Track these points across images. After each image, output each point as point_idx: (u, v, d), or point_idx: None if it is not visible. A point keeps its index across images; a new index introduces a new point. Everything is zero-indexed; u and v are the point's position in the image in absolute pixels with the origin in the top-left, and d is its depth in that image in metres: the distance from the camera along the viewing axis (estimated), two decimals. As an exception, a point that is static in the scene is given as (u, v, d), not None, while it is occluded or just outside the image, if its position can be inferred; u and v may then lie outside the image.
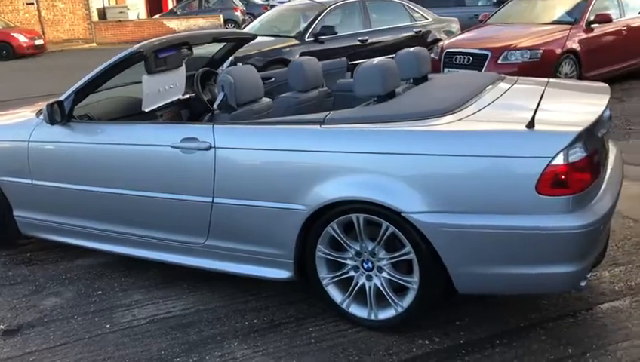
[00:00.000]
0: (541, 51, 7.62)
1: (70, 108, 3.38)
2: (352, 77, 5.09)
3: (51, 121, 3.32)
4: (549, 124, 2.50)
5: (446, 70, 8.15)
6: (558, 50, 7.73)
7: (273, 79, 4.68)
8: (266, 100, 3.54)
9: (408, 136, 2.61)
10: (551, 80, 3.38)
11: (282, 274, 2.96)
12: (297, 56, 7.97)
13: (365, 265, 2.79)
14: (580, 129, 2.44)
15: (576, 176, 2.42)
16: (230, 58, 5.03)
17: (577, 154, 2.44)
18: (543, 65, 7.59)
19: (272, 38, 8.31)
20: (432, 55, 8.60)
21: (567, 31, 7.93)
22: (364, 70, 2.99)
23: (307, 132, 2.81)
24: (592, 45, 8.04)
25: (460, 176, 2.50)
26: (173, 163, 3.09)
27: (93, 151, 3.34)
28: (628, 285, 3.12)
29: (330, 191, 2.70)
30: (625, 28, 8.49)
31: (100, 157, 3.31)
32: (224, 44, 4.49)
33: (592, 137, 2.60)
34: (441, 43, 8.65)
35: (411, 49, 3.57)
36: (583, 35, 8.04)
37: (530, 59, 7.59)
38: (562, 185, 2.40)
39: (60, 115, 3.33)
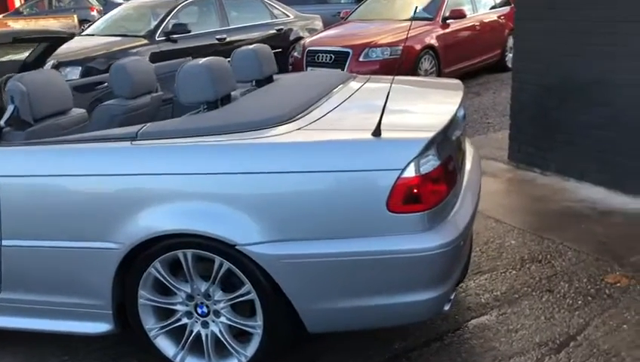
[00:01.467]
0: (401, 48, 7.55)
1: None
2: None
3: None
4: (398, 131, 2.18)
5: (309, 69, 7.85)
6: (418, 47, 7.71)
7: (106, 84, 4.05)
8: (78, 112, 2.93)
9: (237, 152, 2.16)
10: (402, 77, 3.10)
11: (100, 327, 2.40)
12: (147, 57, 7.29)
13: (200, 310, 2.31)
14: (431, 134, 2.13)
15: (430, 189, 2.11)
16: (51, 61, 4.32)
17: (430, 163, 2.13)
18: (403, 61, 7.54)
19: (119, 38, 7.52)
20: (295, 54, 8.29)
21: (425, 27, 7.97)
22: (188, 72, 2.50)
23: (116, 151, 2.27)
24: (449, 41, 8.13)
25: (300, 197, 2.10)
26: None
27: None
28: (494, 296, 2.91)
29: (147, 223, 2.18)
30: (478, 23, 8.70)
31: None
32: (37, 44, 3.77)
33: (446, 141, 2.32)
34: (303, 41, 8.35)
35: (251, 46, 3.14)
36: (440, 31, 8.11)
37: (391, 56, 7.49)
38: (415, 200, 2.07)
39: None
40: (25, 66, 3.87)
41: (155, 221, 2.18)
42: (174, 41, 7.64)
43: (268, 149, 2.14)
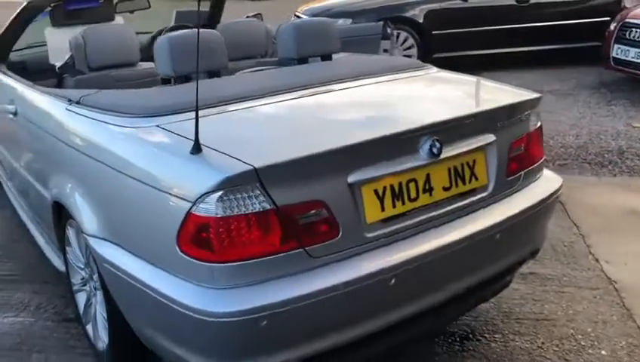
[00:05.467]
0: None
1: None
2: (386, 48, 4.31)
3: None
4: (224, 154, 1.66)
5: (616, 47, 6.23)
6: None
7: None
8: (146, 66, 3.08)
9: (97, 135, 2.05)
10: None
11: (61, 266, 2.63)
12: (422, 15, 6.92)
13: (93, 283, 2.30)
14: (244, 167, 1.56)
15: (235, 237, 1.60)
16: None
17: (250, 203, 1.59)
18: None
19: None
20: (611, 26, 6.66)
21: None
22: (160, 43, 2.39)
23: (56, 108, 2.39)
24: None
25: (121, 200, 1.89)
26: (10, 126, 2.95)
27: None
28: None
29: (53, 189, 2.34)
30: None
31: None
32: None
33: (321, 178, 1.67)
34: (625, 10, 6.61)
35: (297, 21, 2.75)
36: None
37: None
38: (205, 246, 1.60)
39: None
40: (213, 15, 4.26)
41: (53, 188, 2.28)
42: (465, -1, 7.03)
43: (108, 138, 1.98)
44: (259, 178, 1.58)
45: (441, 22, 6.93)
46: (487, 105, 2.04)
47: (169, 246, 1.67)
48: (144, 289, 1.74)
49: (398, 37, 6.90)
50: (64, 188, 2.19)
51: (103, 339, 2.21)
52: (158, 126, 1.90)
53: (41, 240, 2.86)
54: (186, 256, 1.63)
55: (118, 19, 3.65)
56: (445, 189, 1.92)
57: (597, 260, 2.97)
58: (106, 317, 2.11)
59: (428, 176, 1.87)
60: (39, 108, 2.54)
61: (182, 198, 1.63)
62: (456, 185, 1.95)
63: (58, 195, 2.25)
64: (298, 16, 7.41)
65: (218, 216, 1.57)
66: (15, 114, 2.77)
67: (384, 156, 1.77)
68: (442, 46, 6.95)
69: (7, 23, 3.27)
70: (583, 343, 2.36)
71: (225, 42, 2.81)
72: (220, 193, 1.57)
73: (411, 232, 1.85)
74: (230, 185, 1.56)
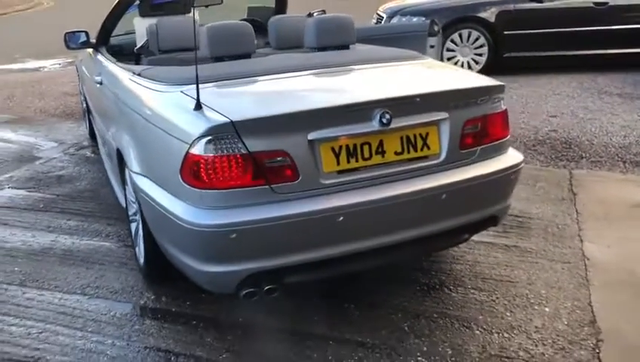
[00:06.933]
0: None
1: (98, 39, 4.24)
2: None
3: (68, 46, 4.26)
4: (214, 110, 2.25)
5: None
6: None
7: None
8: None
9: (137, 95, 2.79)
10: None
11: (123, 201, 3.37)
12: (494, 16, 7.13)
13: (139, 213, 2.99)
14: (222, 120, 2.15)
15: (217, 171, 2.18)
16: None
17: (229, 147, 2.17)
18: None
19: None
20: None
21: None
22: (202, 31, 3.04)
23: (123, 77, 3.12)
24: None
25: (150, 143, 2.57)
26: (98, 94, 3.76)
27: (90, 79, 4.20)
28: None
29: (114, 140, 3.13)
30: None
31: (91, 84, 4.14)
32: None
33: (287, 134, 2.20)
34: None
35: (316, 16, 3.27)
36: None
37: None
38: (197, 177, 2.21)
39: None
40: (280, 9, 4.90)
41: (117, 139, 3.01)
42: (539, 0, 7.14)
43: (147, 99, 2.67)
44: (235, 129, 2.15)
45: (512, 23, 7.11)
46: (438, 88, 2.47)
47: (175, 176, 2.28)
48: (160, 209, 2.38)
49: (469, 36, 7.20)
50: (123, 138, 2.90)
51: (142, 256, 2.90)
52: (181, 92, 2.53)
53: (114, 184, 3.63)
54: (184, 184, 2.24)
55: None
56: (397, 153, 2.38)
57: (582, 241, 3.25)
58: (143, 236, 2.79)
59: (381, 141, 2.35)
60: (114, 78, 3.30)
61: (184, 142, 2.24)
62: (408, 151, 2.40)
63: (119, 144, 2.97)
64: (379, 15, 7.90)
65: (206, 155, 2.17)
66: (101, 83, 3.56)
67: (340, 121, 2.27)
68: (513, 46, 7.15)
69: (106, 15, 4.09)
70: (532, 301, 2.71)
71: (274, 34, 3.43)
72: (208, 138, 2.16)
73: (363, 184, 2.33)
74: (214, 132, 2.15)
